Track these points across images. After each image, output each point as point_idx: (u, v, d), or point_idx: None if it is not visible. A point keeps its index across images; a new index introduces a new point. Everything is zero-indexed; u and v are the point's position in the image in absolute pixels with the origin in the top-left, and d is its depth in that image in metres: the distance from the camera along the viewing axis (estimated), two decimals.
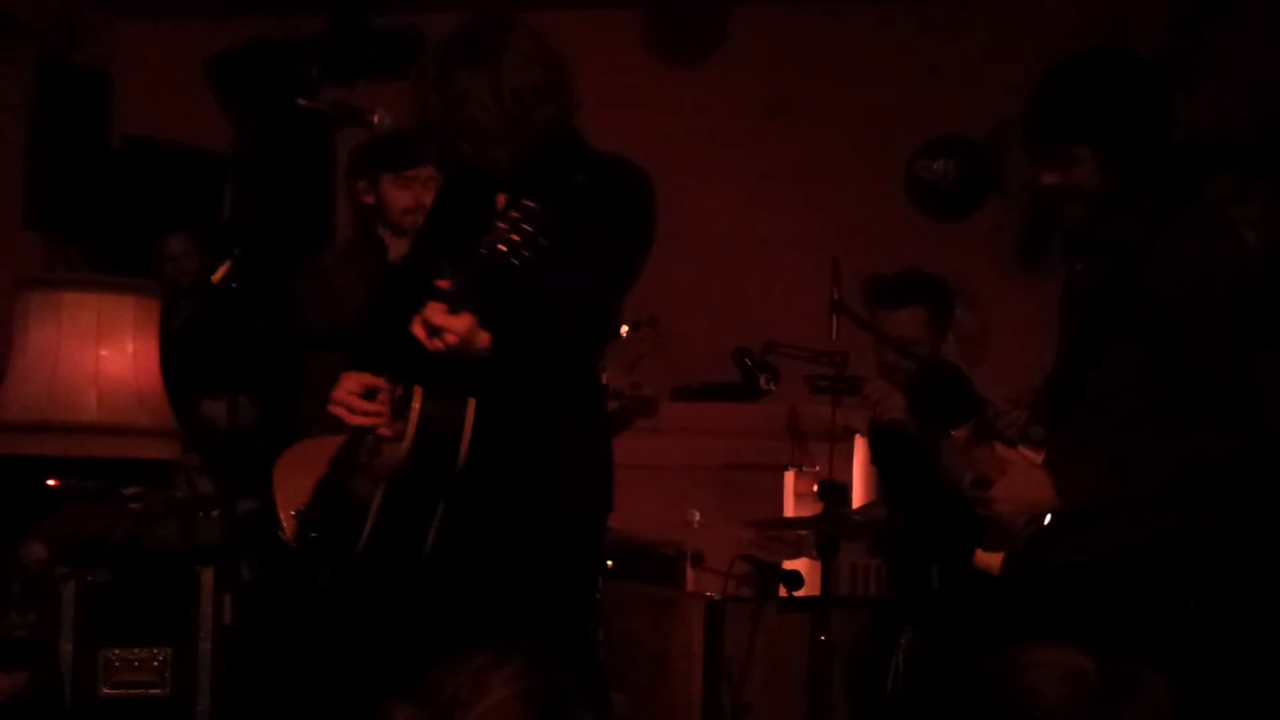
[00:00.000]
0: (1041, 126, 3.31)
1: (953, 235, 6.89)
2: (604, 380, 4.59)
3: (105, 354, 4.72)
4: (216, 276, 6.18)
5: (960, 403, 4.84)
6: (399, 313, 3.61)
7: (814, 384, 5.07)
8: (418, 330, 3.30)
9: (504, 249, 3.16)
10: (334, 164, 7.10)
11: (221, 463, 5.31)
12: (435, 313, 3.28)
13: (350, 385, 3.55)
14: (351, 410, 3.53)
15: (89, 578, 4.64)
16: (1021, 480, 3.25)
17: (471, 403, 3.40)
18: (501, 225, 3.17)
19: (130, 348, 4.77)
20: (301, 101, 3.93)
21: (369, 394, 3.52)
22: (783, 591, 4.86)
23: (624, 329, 3.88)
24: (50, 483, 4.76)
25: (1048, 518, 3.26)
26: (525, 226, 3.16)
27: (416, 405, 3.41)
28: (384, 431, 3.52)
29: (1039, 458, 3.28)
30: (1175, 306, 3.14)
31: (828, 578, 4.79)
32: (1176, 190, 3.27)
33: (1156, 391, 3.17)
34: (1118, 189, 3.26)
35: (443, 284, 3.29)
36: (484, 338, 3.33)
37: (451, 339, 3.28)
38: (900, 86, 7.03)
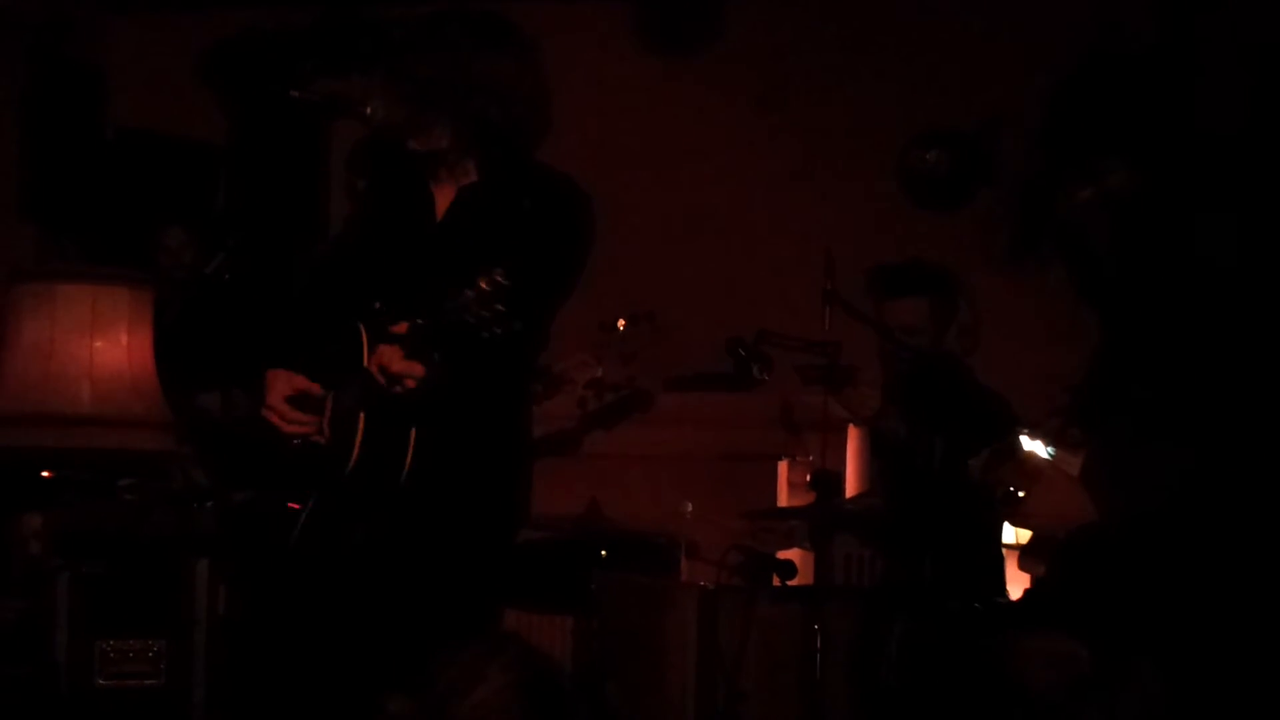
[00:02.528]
0: (1067, 143, 3.29)
1: (945, 226, 6.89)
2: (599, 374, 4.60)
3: (99, 346, 4.73)
4: (210, 268, 6.21)
5: (958, 398, 4.87)
6: (327, 309, 3.66)
7: (805, 374, 5.08)
8: (373, 372, 3.34)
9: (473, 321, 3.15)
10: (327, 156, 7.11)
11: (216, 454, 5.32)
12: (394, 359, 3.31)
13: (281, 389, 3.59)
14: (285, 419, 3.57)
15: (83, 569, 4.65)
16: (1056, 492, 3.20)
17: (413, 433, 3.47)
18: (470, 294, 3.16)
19: (124, 339, 4.77)
20: (294, 93, 3.93)
21: (299, 401, 3.56)
22: (776, 581, 4.87)
23: (621, 323, 3.89)
24: (44, 474, 4.77)
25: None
26: (498, 306, 3.15)
27: (360, 431, 3.45)
28: (317, 439, 3.57)
29: (1076, 462, 3.24)
30: (1209, 304, 3.12)
31: (821, 567, 4.80)
32: (1201, 185, 3.26)
33: (1191, 392, 3.15)
34: (1148, 190, 3.24)
35: (400, 328, 3.32)
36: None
37: (410, 384, 3.32)
38: (893, 78, 7.03)
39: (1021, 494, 3.20)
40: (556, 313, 3.62)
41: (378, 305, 3.58)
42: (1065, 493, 3.17)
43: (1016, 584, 5.13)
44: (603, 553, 4.96)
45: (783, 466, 6.32)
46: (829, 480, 5.08)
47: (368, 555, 3.54)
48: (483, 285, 3.14)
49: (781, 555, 5.10)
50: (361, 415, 3.47)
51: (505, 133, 3.55)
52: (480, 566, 3.60)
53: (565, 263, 3.54)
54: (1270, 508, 3.10)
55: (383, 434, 3.47)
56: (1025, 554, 3.47)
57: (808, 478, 5.54)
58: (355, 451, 3.47)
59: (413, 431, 3.46)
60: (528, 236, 3.47)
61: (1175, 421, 3.12)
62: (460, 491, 3.54)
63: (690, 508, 5.33)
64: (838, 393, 4.97)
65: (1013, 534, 5.31)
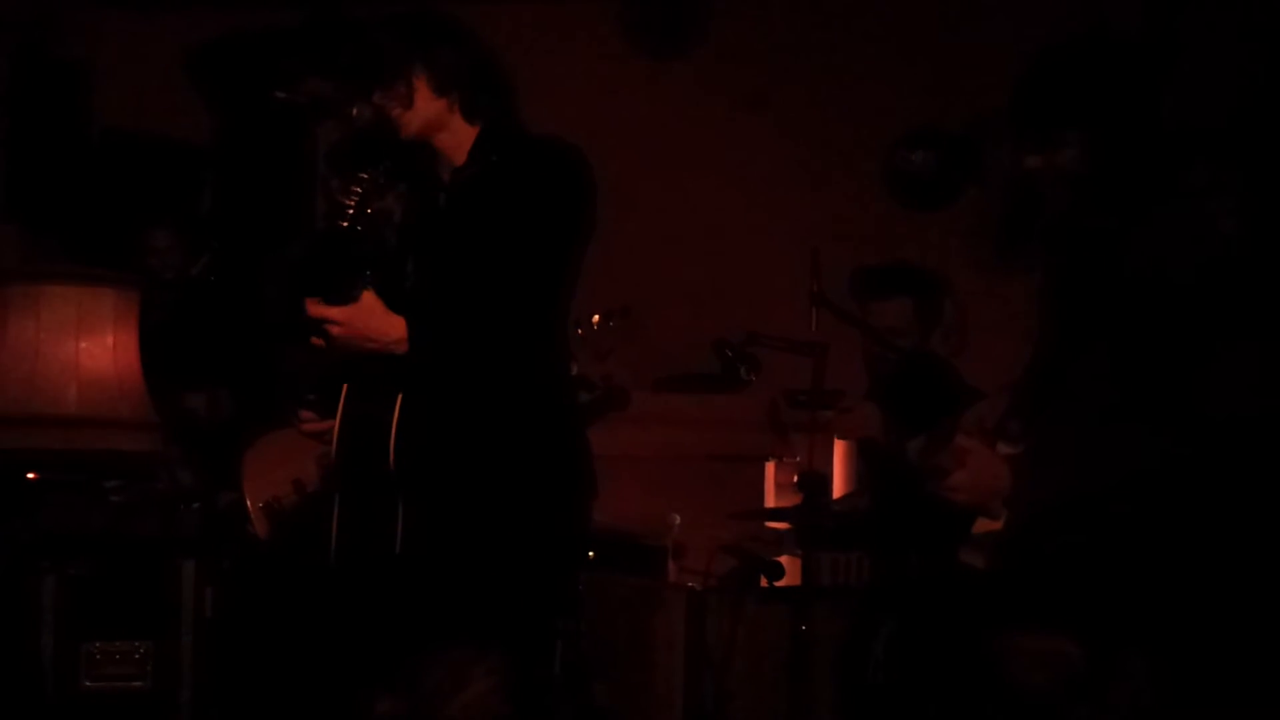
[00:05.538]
0: (1031, 108, 3.30)
1: (932, 226, 6.90)
2: (575, 372, 4.58)
3: (85, 347, 4.71)
4: (196, 270, 6.21)
5: (943, 398, 4.87)
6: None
7: (793, 399, 5.09)
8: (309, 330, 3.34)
9: (344, 224, 3.20)
10: (313, 157, 7.10)
11: (202, 455, 5.31)
12: (312, 306, 3.30)
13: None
14: (298, 419, 3.56)
15: (69, 571, 4.64)
16: (978, 468, 3.22)
17: (398, 402, 3.40)
18: (344, 200, 3.27)
19: (110, 340, 4.76)
20: (279, 94, 3.91)
21: (306, 404, 3.55)
22: (764, 582, 4.87)
23: (595, 319, 3.87)
24: (30, 476, 4.76)
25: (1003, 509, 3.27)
26: (354, 197, 3.19)
27: (341, 406, 3.43)
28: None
29: (1014, 452, 3.26)
30: (1147, 299, 3.14)
31: (808, 568, 4.80)
32: (1155, 180, 3.28)
33: (1128, 385, 3.17)
34: (1101, 176, 3.26)
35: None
36: (398, 336, 3.35)
37: (336, 330, 3.30)
38: (879, 77, 7.04)
39: (948, 471, 3.24)
40: (567, 280, 3.53)
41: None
42: (989, 468, 3.19)
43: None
44: (590, 554, 4.95)
45: (770, 467, 6.32)
46: (816, 481, 5.08)
47: (401, 554, 3.45)
48: (350, 187, 3.26)
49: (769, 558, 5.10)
50: (342, 395, 3.45)
51: (471, 79, 3.54)
52: (508, 567, 3.44)
53: (548, 218, 3.47)
54: (1249, 497, 3.12)
55: (364, 410, 3.44)
56: (967, 548, 3.48)
57: (795, 479, 5.54)
58: (335, 435, 3.45)
59: (394, 413, 3.42)
60: (505, 189, 3.45)
61: (1118, 409, 3.14)
62: (480, 478, 3.45)
63: (678, 520, 5.33)
64: (835, 409, 4.97)
65: None
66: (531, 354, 3.50)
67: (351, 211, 3.24)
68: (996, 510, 3.29)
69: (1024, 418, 3.28)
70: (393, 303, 3.34)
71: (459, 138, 3.58)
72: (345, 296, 3.29)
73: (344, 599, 3.55)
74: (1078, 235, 3.32)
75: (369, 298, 3.32)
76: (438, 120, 3.54)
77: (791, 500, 5.86)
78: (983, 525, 3.44)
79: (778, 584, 4.85)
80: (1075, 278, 3.30)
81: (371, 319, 3.33)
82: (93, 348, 4.73)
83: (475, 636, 3.38)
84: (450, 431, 3.43)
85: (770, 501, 6.27)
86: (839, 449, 5.99)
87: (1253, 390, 3.10)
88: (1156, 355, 3.12)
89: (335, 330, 3.31)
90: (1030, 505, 3.21)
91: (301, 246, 3.81)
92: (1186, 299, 3.13)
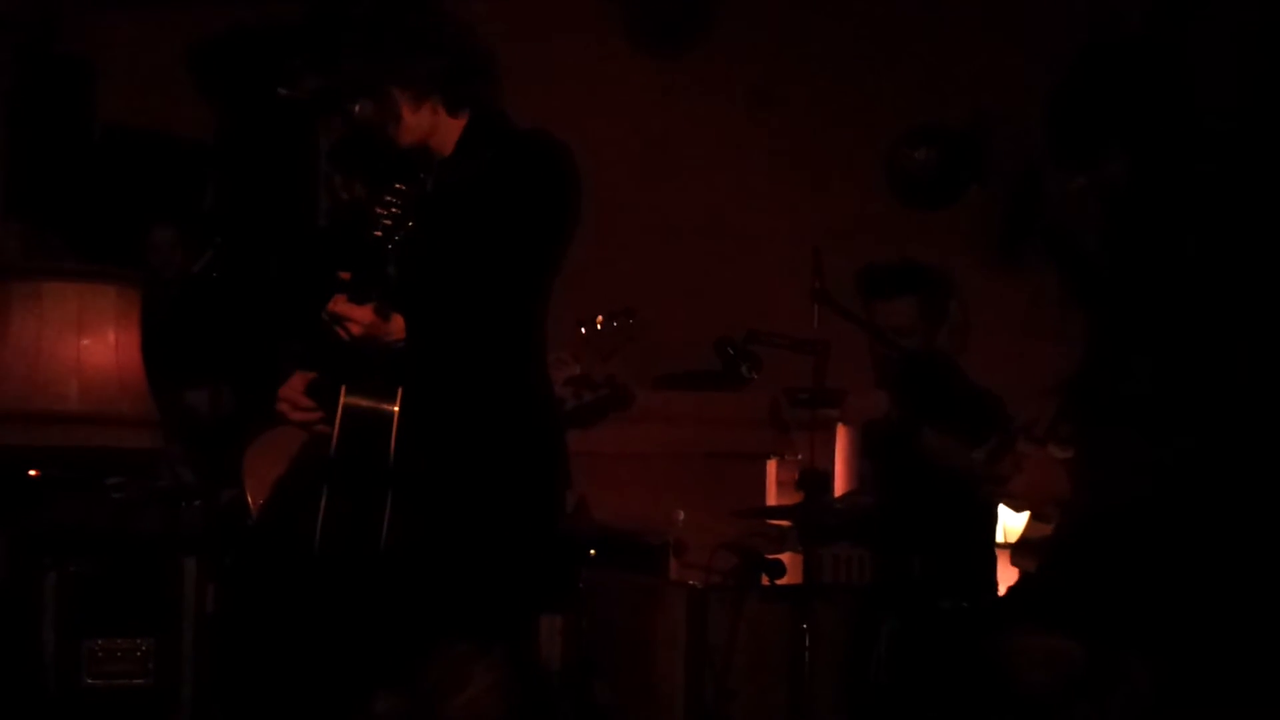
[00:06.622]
0: (1070, 129, 3.30)
1: (934, 224, 6.89)
2: (578, 371, 4.58)
3: (87, 343, 4.71)
4: (198, 266, 6.21)
5: (948, 397, 4.87)
6: (319, 299, 3.63)
7: (794, 397, 5.08)
8: (328, 322, 3.35)
9: (379, 234, 3.21)
10: (316, 154, 7.09)
11: (203, 452, 5.31)
12: (338, 303, 3.31)
13: (295, 382, 3.58)
14: (294, 406, 3.55)
15: (71, 568, 4.64)
16: (1038, 474, 3.25)
17: (399, 394, 3.41)
18: (379, 210, 3.23)
19: (112, 337, 4.76)
20: (282, 91, 3.91)
21: (311, 391, 3.54)
22: (765, 580, 4.87)
23: (599, 319, 3.86)
24: (31, 473, 4.76)
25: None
26: (394, 210, 3.21)
27: (341, 400, 3.43)
28: (323, 429, 3.53)
29: (1066, 456, 3.27)
30: (1198, 292, 3.14)
31: (810, 566, 4.80)
32: (1178, 176, 3.27)
33: (1170, 388, 3.17)
34: (1142, 176, 3.26)
35: (344, 275, 3.32)
36: (398, 328, 3.35)
37: (355, 329, 3.31)
38: (882, 76, 7.04)
39: (1007, 478, 3.27)
40: (551, 272, 3.54)
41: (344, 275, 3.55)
42: (1048, 474, 3.21)
43: (1008, 582, 5.14)
44: (591, 551, 4.95)
45: (771, 465, 6.32)
46: (817, 479, 5.08)
47: (390, 550, 3.43)
48: (386, 197, 3.25)
49: (771, 556, 5.10)
50: (343, 388, 3.46)
51: (449, 80, 3.54)
52: (494, 561, 3.43)
53: (535, 212, 3.47)
54: (1257, 501, 3.12)
55: (365, 408, 3.44)
56: (1017, 550, 3.50)
57: (796, 476, 5.54)
58: (336, 428, 3.45)
59: (396, 405, 3.42)
60: (491, 184, 3.45)
61: (1165, 414, 3.14)
62: (468, 471, 3.45)
63: (682, 516, 5.32)
64: (841, 406, 4.95)
65: (1004, 533, 5.32)
66: (514, 346, 3.52)
67: (389, 224, 3.24)
68: (1050, 514, 3.30)
69: (1074, 422, 3.29)
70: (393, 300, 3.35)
71: (446, 131, 3.59)
72: (381, 308, 3.31)
73: (331, 592, 3.55)
74: (1127, 238, 3.32)
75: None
76: (429, 125, 3.56)
77: (793, 498, 5.86)
78: (1034, 529, 3.46)
79: (779, 582, 4.85)
80: (1126, 278, 3.30)
81: (393, 321, 3.35)
82: (95, 345, 4.72)
83: (459, 628, 3.38)
84: (445, 424, 3.44)
85: (772, 499, 6.28)
86: (840, 447, 5.99)
87: (1260, 389, 3.11)
88: (1202, 352, 3.12)
89: (356, 330, 3.32)
90: (1084, 509, 3.22)
91: (314, 240, 3.79)
92: (1211, 292, 3.13)
